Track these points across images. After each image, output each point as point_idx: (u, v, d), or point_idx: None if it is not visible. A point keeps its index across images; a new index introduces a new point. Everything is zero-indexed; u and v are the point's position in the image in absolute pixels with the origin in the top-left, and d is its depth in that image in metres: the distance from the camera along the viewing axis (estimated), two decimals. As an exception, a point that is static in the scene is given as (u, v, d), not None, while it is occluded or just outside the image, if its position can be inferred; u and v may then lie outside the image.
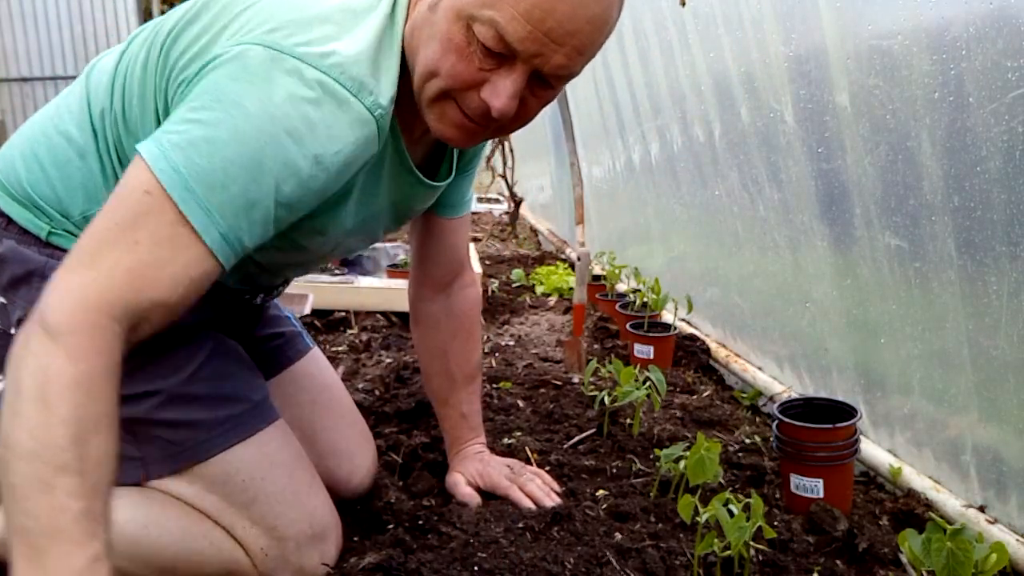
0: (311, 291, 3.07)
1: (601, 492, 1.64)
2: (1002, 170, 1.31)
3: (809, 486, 1.54)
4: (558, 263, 4.20)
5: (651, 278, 2.77)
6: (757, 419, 2.18)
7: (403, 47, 1.15)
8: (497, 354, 2.72)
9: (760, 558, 1.36)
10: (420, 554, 1.38)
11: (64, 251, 1.19)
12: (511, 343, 2.88)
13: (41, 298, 0.96)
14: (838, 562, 1.37)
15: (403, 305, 3.27)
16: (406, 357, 2.71)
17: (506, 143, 5.04)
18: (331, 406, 1.70)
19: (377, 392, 2.35)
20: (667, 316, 2.70)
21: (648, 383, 1.89)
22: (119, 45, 1.31)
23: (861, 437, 1.65)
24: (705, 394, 2.31)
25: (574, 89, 3.64)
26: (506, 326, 3.15)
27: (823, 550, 1.41)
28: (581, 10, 1.04)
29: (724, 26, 2.20)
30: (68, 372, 0.90)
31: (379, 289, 3.36)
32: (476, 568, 1.30)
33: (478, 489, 1.61)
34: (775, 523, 1.47)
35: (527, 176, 5.77)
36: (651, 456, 1.81)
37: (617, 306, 2.89)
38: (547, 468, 1.76)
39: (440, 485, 1.72)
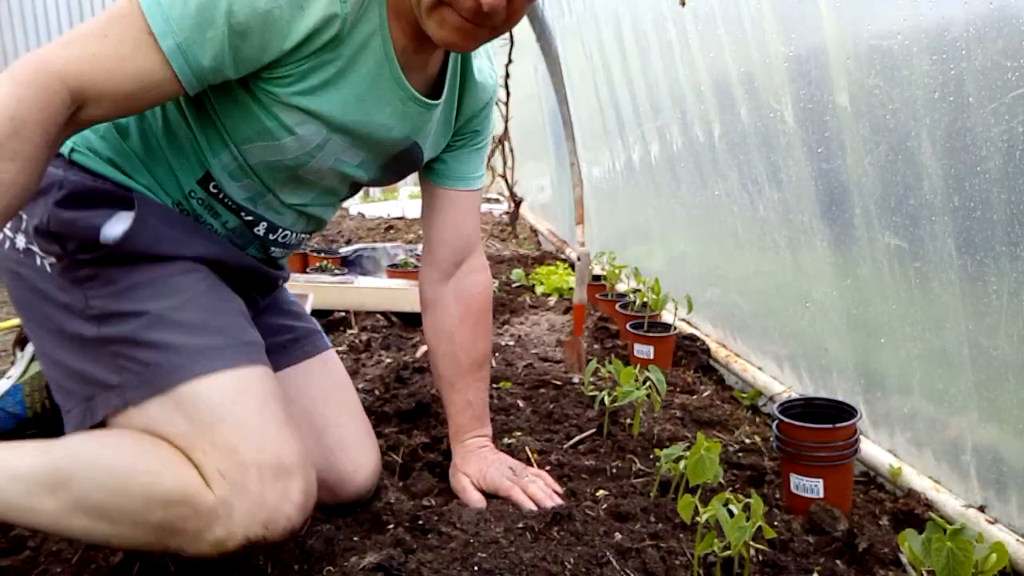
0: (311, 291, 3.07)
1: (601, 492, 1.64)
2: (1002, 170, 1.31)
3: (809, 486, 1.54)
4: (558, 263, 4.20)
5: (651, 278, 2.77)
6: (757, 419, 2.18)
7: None
8: (497, 354, 2.72)
9: (760, 558, 1.36)
10: (420, 554, 1.38)
11: (84, 168, 1.32)
12: (511, 343, 2.88)
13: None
14: (838, 562, 1.37)
15: (403, 305, 3.29)
16: (406, 357, 2.71)
17: (506, 143, 5.04)
18: (343, 403, 1.70)
19: (377, 392, 2.35)
20: (667, 316, 2.70)
21: (648, 383, 1.89)
22: None
23: (861, 437, 1.65)
24: (705, 394, 2.31)
25: (574, 89, 3.65)
26: (506, 326, 3.15)
27: (823, 550, 1.41)
28: None
29: (724, 26, 2.20)
30: (9, 107, 1.03)
31: (379, 289, 3.36)
32: (476, 568, 1.30)
33: (480, 490, 1.61)
34: (775, 523, 1.47)
35: (527, 176, 5.77)
36: (651, 456, 1.81)
37: (617, 306, 2.89)
38: (547, 468, 1.76)
39: (440, 485, 1.72)
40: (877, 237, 1.69)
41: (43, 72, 1.07)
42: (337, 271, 3.71)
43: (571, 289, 3.29)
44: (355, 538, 1.48)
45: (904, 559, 1.36)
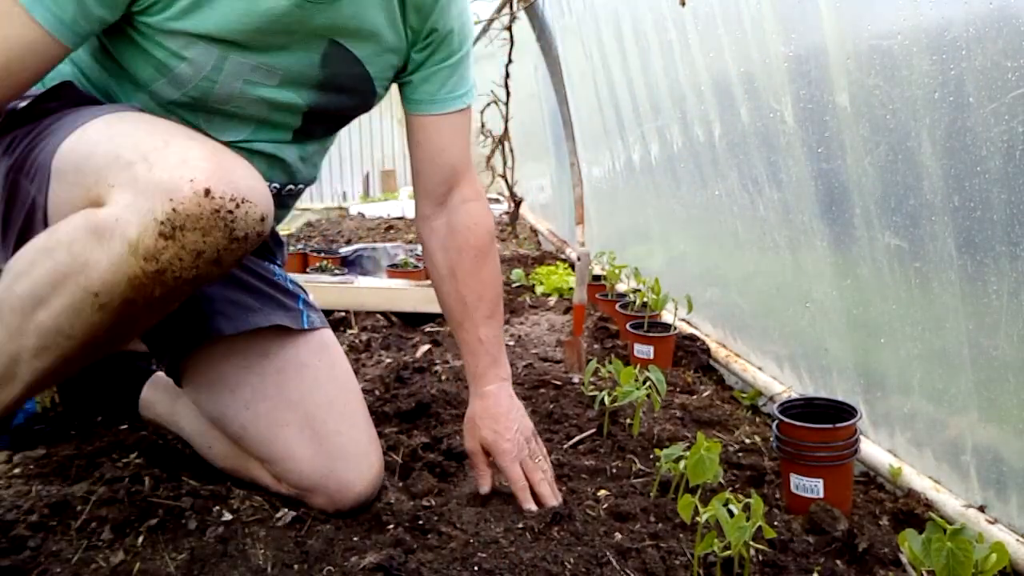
0: (311, 291, 3.06)
1: (601, 492, 1.64)
2: (1002, 170, 1.31)
3: (809, 486, 1.54)
4: (558, 263, 4.20)
5: (651, 278, 2.77)
6: (757, 419, 2.18)
7: None
8: (497, 354, 2.72)
9: (760, 558, 1.36)
10: (420, 554, 1.38)
11: None
12: (511, 343, 2.88)
13: None
14: (838, 562, 1.38)
15: (403, 305, 3.29)
16: (406, 357, 2.71)
17: (506, 143, 5.04)
18: (347, 410, 1.62)
19: (377, 392, 2.35)
20: (667, 316, 2.70)
21: (648, 383, 1.89)
22: None
23: (861, 437, 1.65)
24: (705, 394, 2.31)
25: (574, 89, 3.65)
26: (506, 326, 3.15)
27: (823, 550, 1.41)
28: None
29: (724, 26, 2.20)
30: None
31: (379, 289, 3.36)
32: (476, 568, 1.30)
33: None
34: (775, 523, 1.47)
35: (527, 176, 5.77)
36: (651, 456, 1.81)
37: (617, 306, 2.89)
38: (547, 468, 1.77)
39: (440, 485, 1.72)
40: (877, 237, 1.69)
41: None
42: (337, 271, 3.71)
43: (571, 289, 3.29)
44: (355, 538, 1.48)
45: (904, 559, 1.36)
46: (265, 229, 1.20)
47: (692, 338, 2.72)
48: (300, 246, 4.39)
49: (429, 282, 3.40)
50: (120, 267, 1.10)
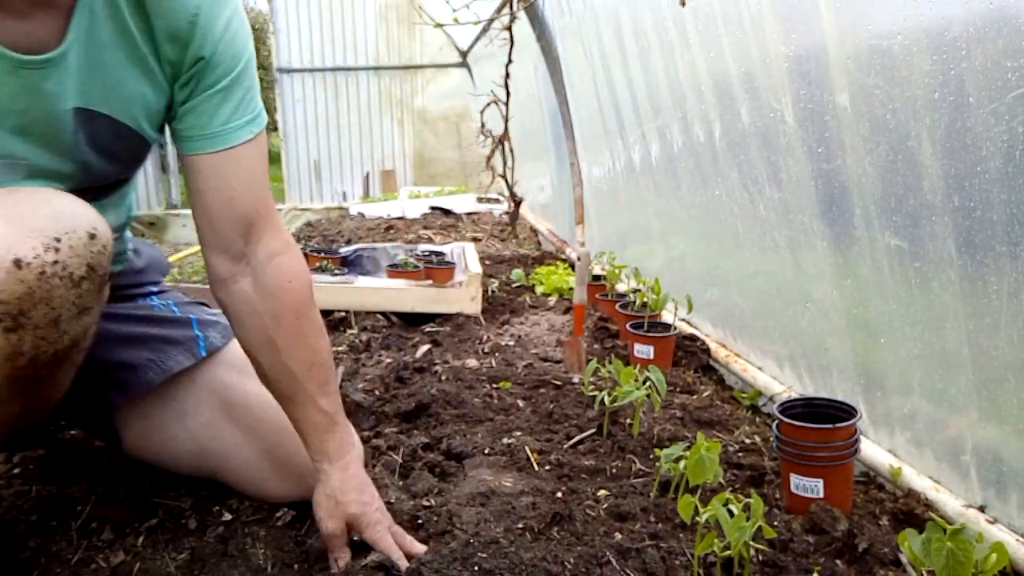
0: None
1: (601, 492, 1.64)
2: (1002, 170, 1.31)
3: (809, 486, 1.54)
4: (558, 263, 4.20)
5: (651, 278, 2.77)
6: (757, 419, 2.18)
7: None
8: (497, 354, 2.72)
9: (760, 558, 1.36)
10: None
11: None
12: (511, 343, 2.88)
13: None
14: (838, 562, 1.38)
15: (403, 305, 3.30)
16: (406, 357, 2.71)
17: (506, 143, 5.04)
18: (249, 413, 1.54)
19: (377, 392, 2.35)
20: (667, 316, 2.70)
21: (648, 383, 1.89)
22: None
23: (861, 437, 1.65)
24: (705, 394, 2.31)
25: (574, 89, 3.65)
26: (506, 326, 3.16)
27: (823, 550, 1.41)
28: None
29: (724, 26, 2.20)
30: None
31: (379, 289, 3.37)
32: (476, 568, 1.30)
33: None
34: (775, 523, 1.47)
35: (527, 176, 5.77)
36: (651, 456, 1.81)
37: (617, 306, 2.89)
38: (547, 468, 1.77)
39: (440, 485, 1.72)
40: (877, 237, 1.69)
41: None
42: (337, 271, 3.71)
43: (571, 289, 3.29)
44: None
45: (904, 559, 1.36)
46: (104, 240, 1.08)
47: (692, 338, 2.72)
48: (300, 246, 4.39)
49: (429, 282, 3.42)
50: None
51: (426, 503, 1.61)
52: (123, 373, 1.46)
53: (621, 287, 3.27)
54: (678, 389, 2.33)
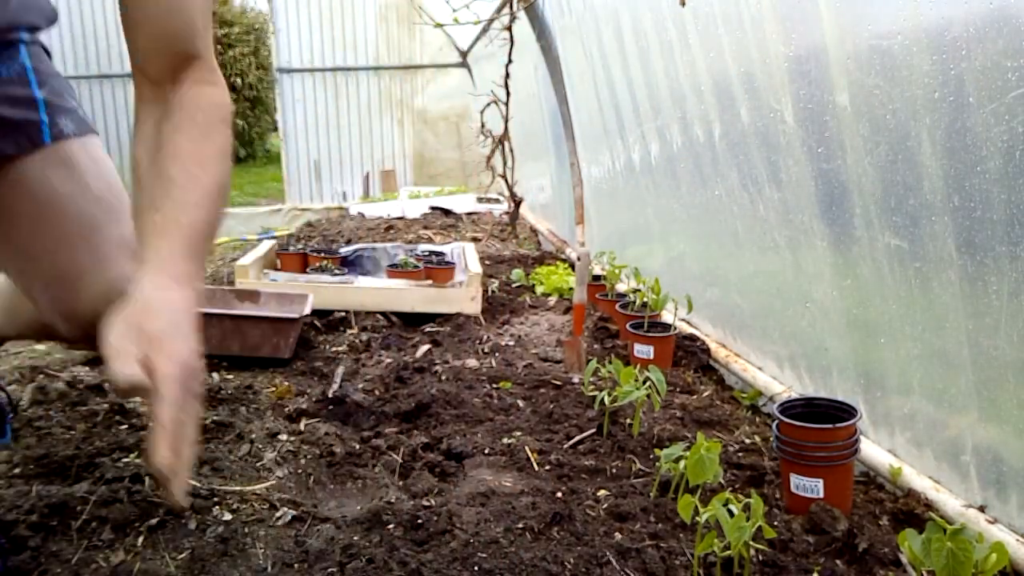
0: (311, 291, 3.07)
1: (601, 492, 1.64)
2: (1002, 170, 1.31)
3: (809, 486, 1.54)
4: (558, 263, 4.20)
5: (651, 278, 2.77)
6: (757, 419, 2.18)
7: None
8: (497, 354, 2.72)
9: (760, 558, 1.36)
10: (420, 554, 1.38)
11: None
12: (511, 343, 2.88)
13: None
14: (838, 562, 1.38)
15: (403, 305, 3.30)
16: (406, 357, 2.71)
17: (506, 143, 5.04)
18: (58, 221, 1.29)
19: (377, 392, 2.35)
20: (667, 316, 2.70)
21: (648, 383, 1.89)
22: None
23: (861, 437, 1.65)
24: (705, 394, 2.31)
25: (574, 89, 3.64)
26: (506, 326, 3.15)
27: (823, 550, 1.41)
28: None
29: (724, 26, 2.20)
30: None
31: (379, 289, 3.37)
32: (476, 568, 1.30)
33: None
34: (775, 523, 1.47)
35: (527, 176, 5.77)
36: (651, 456, 1.81)
37: (617, 306, 2.89)
38: (547, 468, 1.77)
39: (440, 485, 1.72)
40: (877, 237, 1.69)
41: None
42: (337, 271, 3.71)
43: (571, 289, 3.29)
44: (355, 537, 1.48)
45: (904, 559, 1.36)
46: None
47: (692, 338, 2.72)
48: (300, 246, 4.39)
49: (430, 282, 3.42)
50: None
51: (426, 503, 1.61)
52: None
53: (621, 287, 3.27)
54: (678, 389, 2.33)
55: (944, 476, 1.62)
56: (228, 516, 1.58)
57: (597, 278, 3.35)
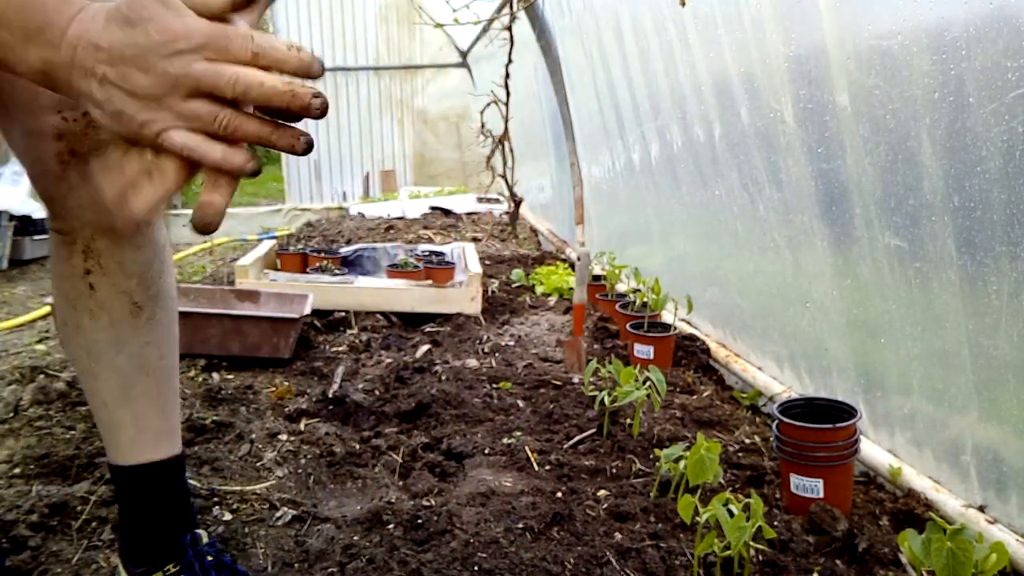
0: (311, 291, 3.07)
1: (601, 492, 1.64)
2: (1002, 170, 1.31)
3: (809, 486, 1.54)
4: (558, 263, 4.20)
5: (651, 278, 2.77)
6: (757, 419, 2.18)
7: None
8: (497, 354, 2.72)
9: (760, 558, 1.36)
10: (420, 554, 1.38)
11: None
12: (511, 343, 2.88)
13: None
14: (838, 562, 1.38)
15: (403, 305, 3.30)
16: (406, 357, 2.71)
17: (506, 143, 5.04)
18: None
19: (377, 392, 2.35)
20: (667, 316, 2.70)
21: (648, 383, 1.89)
22: None
23: (861, 437, 1.65)
24: (705, 394, 2.31)
25: (574, 89, 3.64)
26: (506, 326, 3.15)
27: (823, 550, 1.41)
28: None
29: (724, 26, 2.20)
30: None
31: (379, 289, 3.36)
32: (476, 568, 1.30)
33: None
34: (775, 523, 1.47)
35: (527, 176, 5.77)
36: (651, 456, 1.81)
37: (617, 306, 2.89)
38: (547, 468, 1.77)
39: (440, 485, 1.72)
40: (877, 237, 1.69)
41: None
42: (337, 271, 3.71)
43: (571, 289, 3.29)
44: (355, 537, 1.48)
45: (904, 559, 1.36)
46: None
47: (692, 338, 2.72)
48: (300, 246, 4.39)
49: (429, 282, 3.42)
50: None
51: (426, 503, 1.61)
52: None
53: (621, 287, 3.27)
54: (678, 389, 2.33)
55: (944, 476, 1.62)
56: (228, 516, 1.58)
57: (597, 278, 3.35)
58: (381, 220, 6.23)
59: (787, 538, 1.43)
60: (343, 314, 3.22)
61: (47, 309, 3.68)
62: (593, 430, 1.95)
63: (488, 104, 4.94)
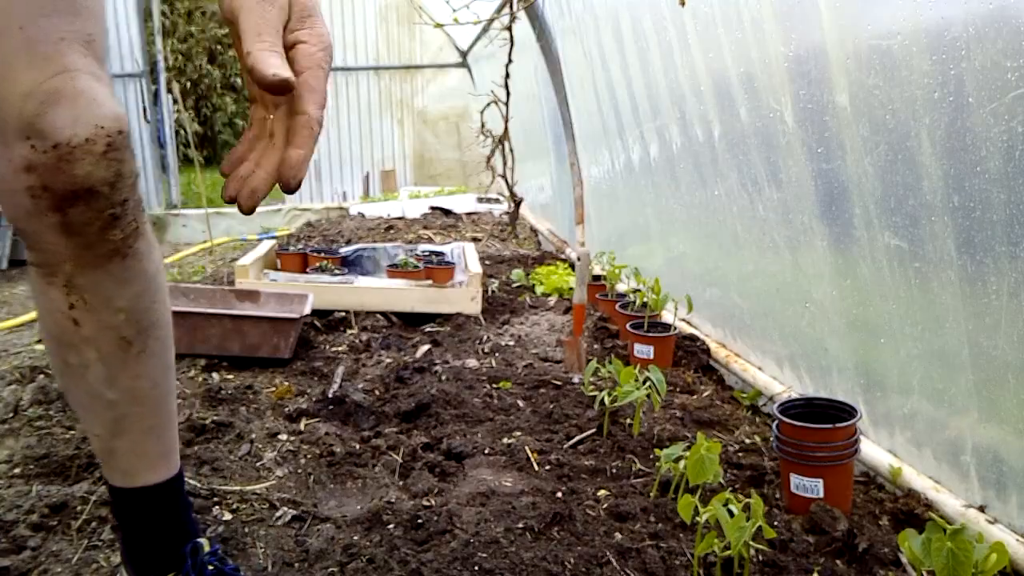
0: (311, 291, 3.07)
1: (601, 492, 1.64)
2: (1002, 170, 1.31)
3: (809, 486, 1.54)
4: (558, 263, 4.20)
5: (651, 278, 2.77)
6: (757, 419, 2.18)
7: None
8: (497, 354, 2.72)
9: (760, 558, 1.36)
10: (420, 554, 1.38)
11: None
12: (511, 343, 2.88)
13: None
14: (838, 562, 1.38)
15: (403, 305, 3.30)
16: (406, 357, 2.71)
17: (506, 143, 5.04)
18: None
19: (377, 392, 2.35)
20: (667, 316, 2.70)
21: (648, 383, 1.89)
22: None
23: (861, 437, 1.65)
24: (705, 394, 2.31)
25: (573, 90, 3.65)
26: (506, 326, 3.15)
27: (823, 550, 1.41)
28: None
29: (724, 26, 2.20)
30: None
31: (379, 289, 3.37)
32: (476, 568, 1.30)
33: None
34: (775, 523, 1.47)
35: (527, 176, 5.77)
36: (651, 456, 1.81)
37: (617, 306, 2.89)
38: (547, 468, 1.77)
39: (440, 485, 1.72)
40: (877, 237, 1.69)
41: None
42: (337, 271, 3.71)
43: (571, 289, 3.29)
44: (355, 537, 1.48)
45: (904, 559, 1.36)
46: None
47: (692, 338, 2.72)
48: (300, 246, 4.39)
49: (430, 282, 3.42)
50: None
51: (426, 503, 1.61)
52: None
53: (621, 287, 3.27)
54: (678, 389, 2.33)
55: (944, 476, 1.62)
56: (228, 516, 1.58)
57: (597, 278, 3.35)
58: (381, 220, 6.23)
59: (787, 538, 1.43)
60: (343, 314, 3.22)
61: (47, 309, 3.68)
62: (593, 430, 1.95)
63: (488, 104, 4.94)
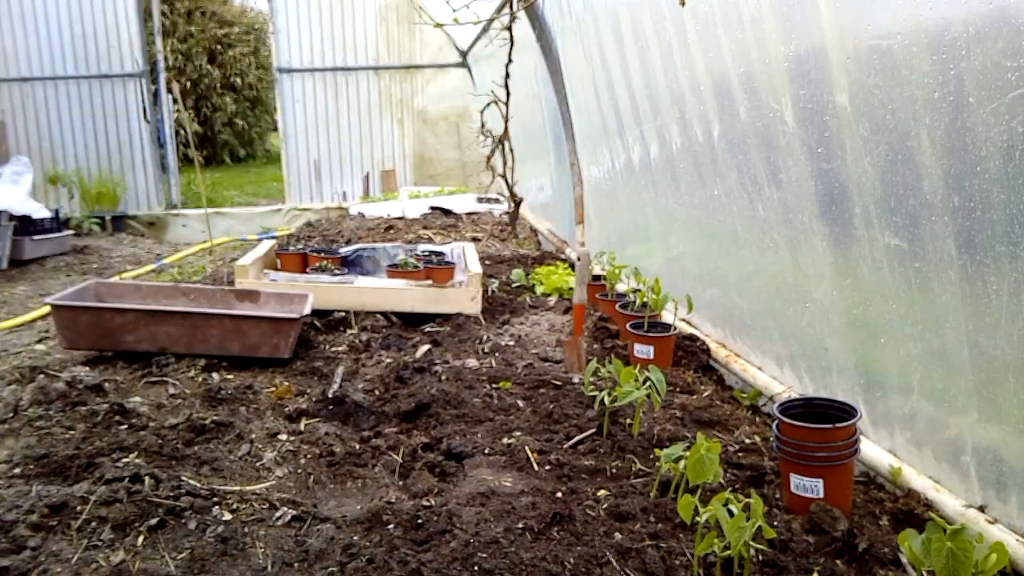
0: (311, 291, 3.07)
1: (601, 492, 1.64)
2: (1002, 170, 1.31)
3: (809, 486, 1.54)
4: (558, 263, 4.20)
5: (651, 278, 2.77)
6: (757, 419, 2.18)
7: None
8: (497, 354, 2.72)
9: (760, 558, 1.36)
10: (420, 554, 1.38)
11: None
12: (511, 343, 2.88)
13: None
14: (838, 562, 1.38)
15: (403, 305, 3.30)
16: (406, 357, 2.71)
17: (506, 143, 5.04)
18: None
19: (377, 392, 2.35)
20: (667, 316, 2.70)
21: (648, 383, 1.89)
22: None
23: (861, 437, 1.65)
24: (705, 394, 2.31)
25: (573, 90, 3.64)
26: (506, 326, 3.15)
27: (823, 550, 1.41)
28: None
29: (724, 26, 2.20)
30: None
31: (379, 289, 3.36)
32: (476, 568, 1.30)
33: None
34: (775, 523, 1.47)
35: (527, 176, 5.77)
36: (651, 456, 1.81)
37: (617, 306, 2.89)
38: (547, 468, 1.77)
39: (440, 485, 1.72)
40: (877, 237, 1.69)
41: None
42: (337, 271, 3.71)
43: (571, 289, 3.28)
44: (355, 537, 1.48)
45: (904, 559, 1.36)
46: None
47: (692, 338, 2.72)
48: (300, 246, 4.39)
49: (429, 282, 3.42)
50: None
51: (426, 503, 1.61)
52: None
53: (621, 287, 3.26)
54: (678, 389, 2.33)
55: (944, 476, 1.62)
56: (228, 516, 1.58)
57: (597, 278, 3.35)
58: (381, 220, 6.23)
59: (787, 538, 1.43)
60: (343, 314, 3.22)
61: (47, 309, 3.68)
62: (593, 430, 1.95)
63: (488, 104, 4.94)
